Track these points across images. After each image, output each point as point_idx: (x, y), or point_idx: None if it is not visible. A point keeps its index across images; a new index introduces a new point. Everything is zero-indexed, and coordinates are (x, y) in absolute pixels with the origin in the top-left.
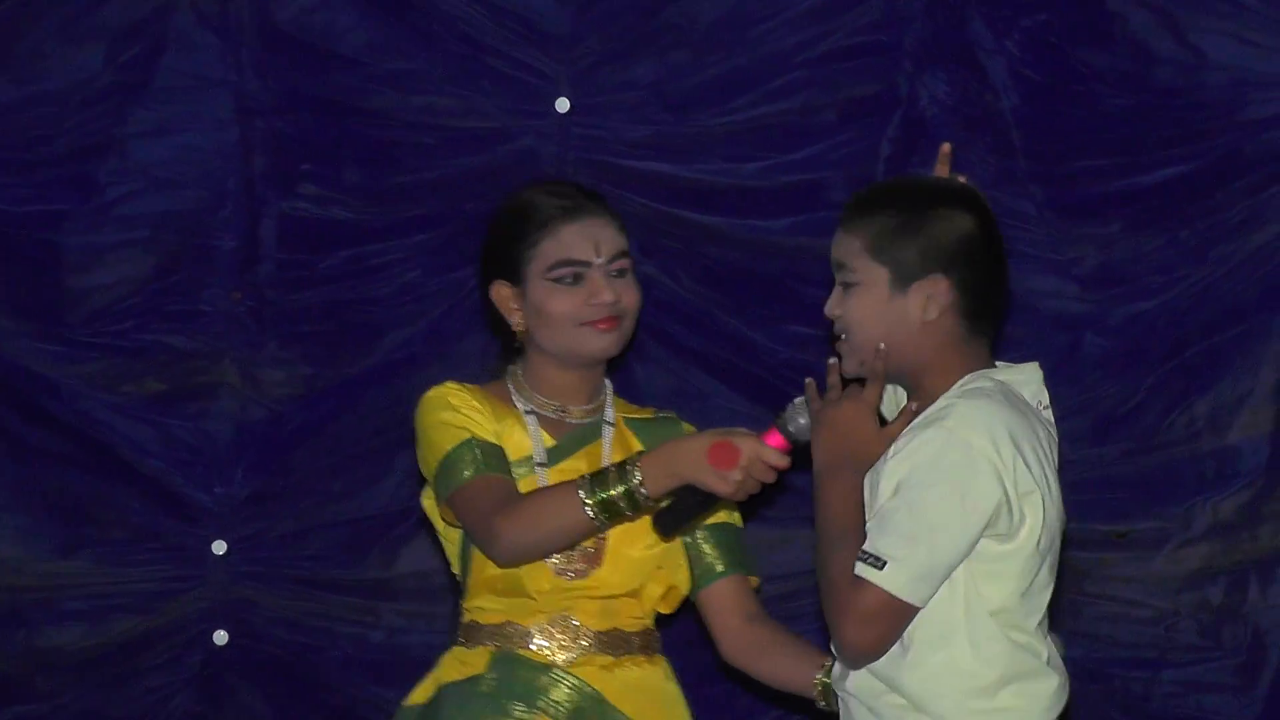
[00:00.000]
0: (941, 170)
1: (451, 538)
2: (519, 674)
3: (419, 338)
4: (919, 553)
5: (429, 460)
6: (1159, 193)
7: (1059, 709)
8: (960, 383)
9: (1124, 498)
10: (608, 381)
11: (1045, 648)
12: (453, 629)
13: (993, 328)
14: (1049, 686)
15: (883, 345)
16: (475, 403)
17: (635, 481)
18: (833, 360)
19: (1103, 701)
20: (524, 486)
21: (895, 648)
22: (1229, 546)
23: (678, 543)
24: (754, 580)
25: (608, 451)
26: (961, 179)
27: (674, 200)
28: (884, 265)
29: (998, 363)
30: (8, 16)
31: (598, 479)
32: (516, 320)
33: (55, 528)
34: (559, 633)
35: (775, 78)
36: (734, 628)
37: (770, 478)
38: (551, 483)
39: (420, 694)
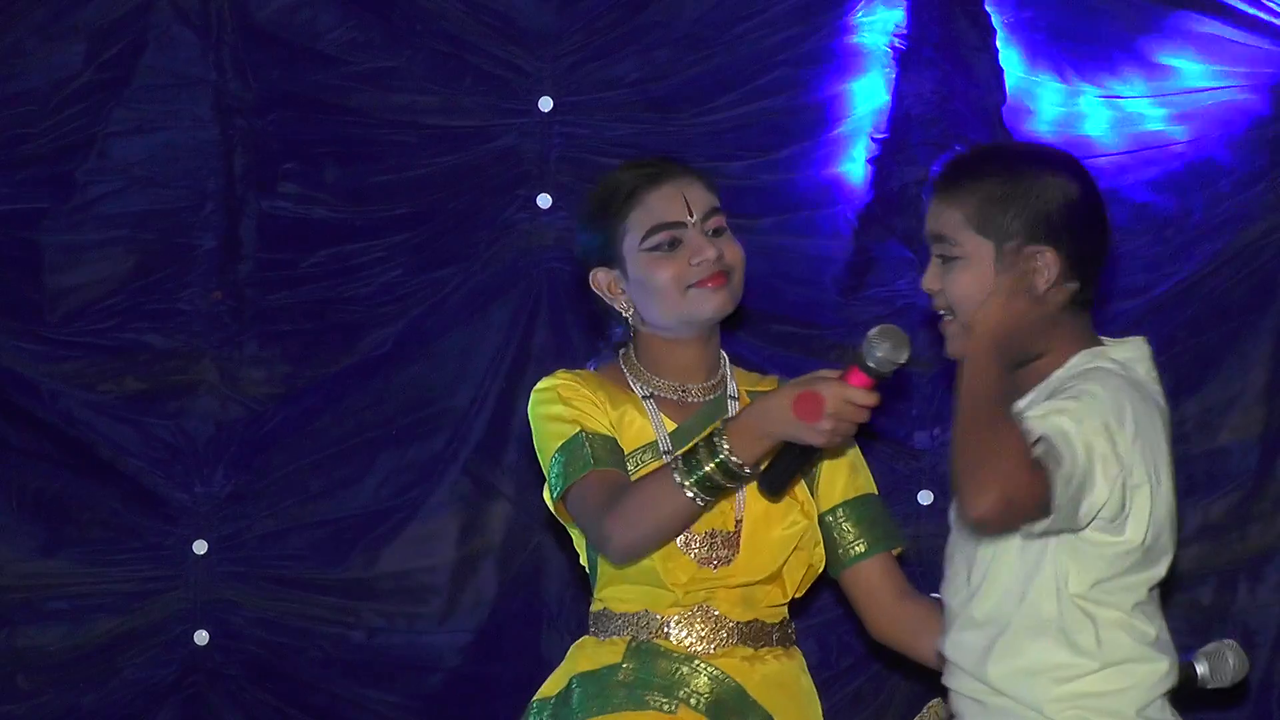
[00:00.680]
0: None
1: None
2: (658, 664)
3: (400, 337)
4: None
5: (543, 459)
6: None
7: (1166, 689)
8: (1077, 361)
9: None
10: (724, 354)
11: (1154, 628)
12: (591, 621)
13: (1096, 299)
14: (1156, 669)
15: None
16: (587, 392)
17: (725, 452)
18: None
19: None
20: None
21: (988, 639)
22: (1218, 548)
23: (814, 521)
24: (898, 549)
25: None
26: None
27: None
28: (989, 238)
29: (1102, 338)
30: None
31: (689, 459)
32: (623, 303)
33: (36, 527)
34: (699, 624)
35: (757, 77)
36: (886, 606)
37: (862, 417)
38: None
39: (551, 686)
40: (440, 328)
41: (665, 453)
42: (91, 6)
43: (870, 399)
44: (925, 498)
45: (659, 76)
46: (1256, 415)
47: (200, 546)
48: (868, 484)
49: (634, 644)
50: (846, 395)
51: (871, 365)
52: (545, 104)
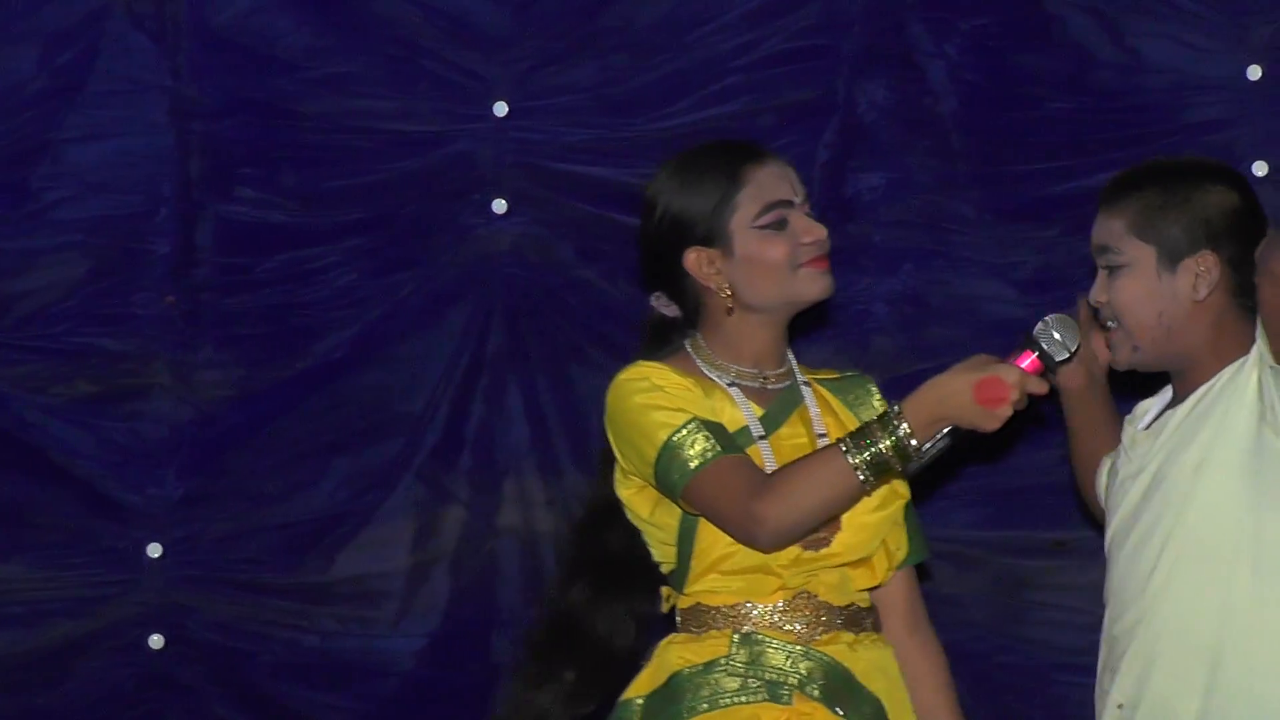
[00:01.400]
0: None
1: (662, 523)
2: (767, 654)
3: (355, 341)
4: None
5: (644, 450)
6: (1099, 196)
7: None
8: (1239, 366)
9: (1064, 505)
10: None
11: None
12: (680, 618)
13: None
14: None
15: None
16: (678, 378)
17: (904, 432)
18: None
19: (1046, 708)
20: None
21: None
22: None
23: (900, 509)
24: (924, 554)
25: (816, 413)
26: None
27: (613, 204)
28: (1150, 244)
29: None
30: None
31: (860, 437)
32: (719, 283)
33: None
34: (803, 610)
35: (713, 82)
36: (895, 630)
37: (1024, 406)
38: (773, 453)
39: (643, 685)
40: (395, 332)
41: (760, 437)
42: (46, 12)
43: (1042, 387)
44: None
45: (614, 82)
46: None
47: (155, 550)
48: (905, 488)
49: (738, 636)
50: (1026, 384)
51: (1049, 350)
52: (500, 109)
